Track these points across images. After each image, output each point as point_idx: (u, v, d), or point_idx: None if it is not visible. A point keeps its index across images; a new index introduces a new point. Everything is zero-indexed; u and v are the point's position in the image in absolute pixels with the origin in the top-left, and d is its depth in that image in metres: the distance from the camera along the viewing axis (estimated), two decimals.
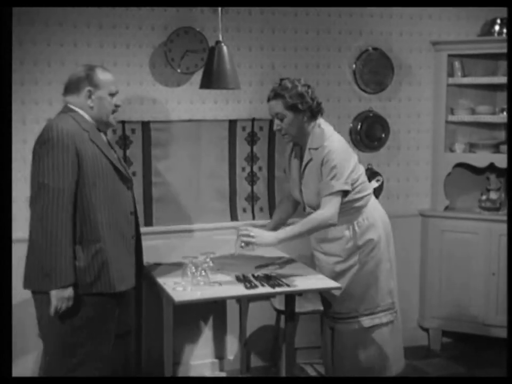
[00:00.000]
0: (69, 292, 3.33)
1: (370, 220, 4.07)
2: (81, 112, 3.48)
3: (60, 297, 3.31)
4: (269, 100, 3.98)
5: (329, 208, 3.86)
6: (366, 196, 4.08)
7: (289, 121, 3.92)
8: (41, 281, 3.34)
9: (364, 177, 4.08)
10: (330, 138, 3.95)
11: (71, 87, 3.50)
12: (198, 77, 4.53)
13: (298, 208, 4.30)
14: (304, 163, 4.02)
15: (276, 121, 3.96)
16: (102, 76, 3.50)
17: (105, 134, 3.63)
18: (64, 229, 3.28)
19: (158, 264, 4.08)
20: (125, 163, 3.73)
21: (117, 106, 3.57)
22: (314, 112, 3.95)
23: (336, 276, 4.05)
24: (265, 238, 3.85)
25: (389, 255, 4.16)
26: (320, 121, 4.00)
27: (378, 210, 4.17)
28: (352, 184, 3.93)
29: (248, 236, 3.80)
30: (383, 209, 4.23)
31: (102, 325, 3.46)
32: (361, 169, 4.09)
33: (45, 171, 3.28)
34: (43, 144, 3.32)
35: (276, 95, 3.93)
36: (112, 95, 3.53)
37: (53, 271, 3.28)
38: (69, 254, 3.31)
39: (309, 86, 3.96)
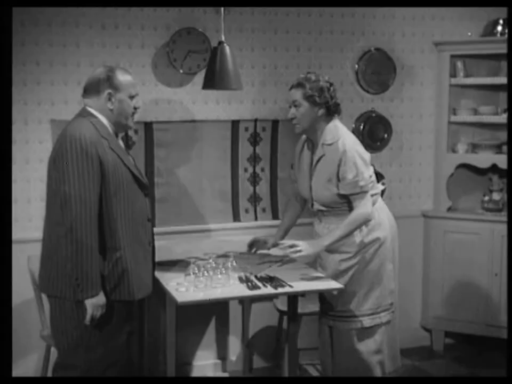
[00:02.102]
0: (102, 299, 3.33)
1: (377, 219, 4.08)
2: (100, 116, 3.43)
3: (96, 305, 3.30)
4: (290, 88, 4.05)
5: (365, 205, 3.96)
6: (375, 194, 4.11)
7: (303, 111, 3.98)
8: (73, 291, 3.31)
9: (374, 176, 4.12)
10: (346, 136, 4.00)
11: (91, 89, 3.45)
12: (200, 77, 4.53)
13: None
14: (316, 158, 4.04)
15: (292, 110, 4.03)
16: (122, 77, 3.45)
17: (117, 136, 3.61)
18: (93, 238, 3.27)
19: (160, 265, 4.07)
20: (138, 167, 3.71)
21: (136, 108, 3.52)
22: (331, 110, 4.01)
23: (339, 274, 4.07)
24: (312, 248, 3.91)
25: (393, 256, 4.18)
26: (336, 121, 4.06)
27: (385, 211, 4.20)
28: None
29: (296, 250, 3.85)
30: (389, 210, 4.24)
31: (117, 329, 3.46)
32: (371, 168, 4.13)
33: (70, 180, 3.24)
34: (66, 152, 3.27)
35: (298, 84, 4.00)
36: (132, 97, 3.48)
37: (85, 280, 3.26)
38: (98, 263, 3.30)
39: (331, 84, 4.02)
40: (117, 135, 3.53)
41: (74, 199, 3.23)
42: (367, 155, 4.04)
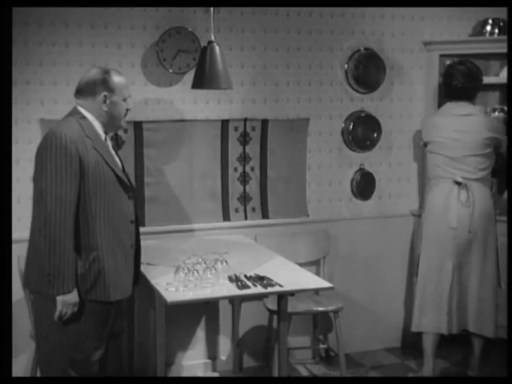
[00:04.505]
0: (75, 297, 3.32)
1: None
2: (90, 116, 3.44)
3: (66, 303, 3.30)
4: None
5: None
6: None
7: None
8: (46, 286, 3.31)
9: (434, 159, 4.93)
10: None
11: (86, 90, 3.46)
12: (190, 77, 4.53)
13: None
14: None
15: None
16: (117, 79, 3.47)
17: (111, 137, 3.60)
18: (67, 235, 3.26)
19: (150, 265, 4.08)
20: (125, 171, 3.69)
21: (127, 110, 3.54)
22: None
23: None
24: None
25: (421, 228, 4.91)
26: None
27: (438, 195, 4.81)
28: None
29: None
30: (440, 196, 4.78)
31: (95, 330, 3.44)
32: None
33: (47, 177, 3.25)
34: (46, 149, 3.28)
35: None
36: (125, 99, 3.50)
37: (56, 277, 3.26)
38: (72, 260, 3.29)
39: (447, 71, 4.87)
40: (106, 135, 3.53)
41: (50, 195, 3.24)
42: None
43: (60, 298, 3.29)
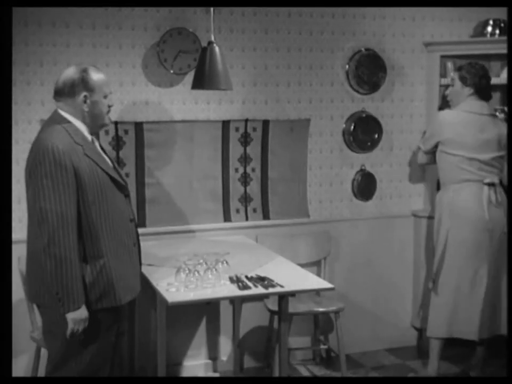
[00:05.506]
0: (84, 313, 3.25)
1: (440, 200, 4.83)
2: (73, 120, 3.34)
3: (77, 320, 3.22)
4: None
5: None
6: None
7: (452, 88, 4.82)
8: (56, 304, 3.23)
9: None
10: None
11: (65, 92, 3.34)
12: (190, 77, 4.52)
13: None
14: None
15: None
16: (96, 77, 3.35)
17: (98, 137, 3.52)
18: (73, 251, 3.19)
19: (151, 265, 4.07)
20: (118, 166, 3.60)
21: (109, 106, 3.44)
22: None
23: None
24: None
25: (438, 236, 4.79)
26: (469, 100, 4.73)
27: (463, 197, 4.69)
28: None
29: None
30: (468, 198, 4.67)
31: (105, 333, 3.40)
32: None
33: (46, 195, 3.16)
34: (40, 166, 3.18)
35: (458, 68, 4.82)
36: (105, 97, 3.39)
37: (65, 295, 3.18)
38: (80, 276, 3.22)
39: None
40: (96, 136, 3.46)
41: (51, 214, 3.15)
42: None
43: (70, 316, 3.21)
